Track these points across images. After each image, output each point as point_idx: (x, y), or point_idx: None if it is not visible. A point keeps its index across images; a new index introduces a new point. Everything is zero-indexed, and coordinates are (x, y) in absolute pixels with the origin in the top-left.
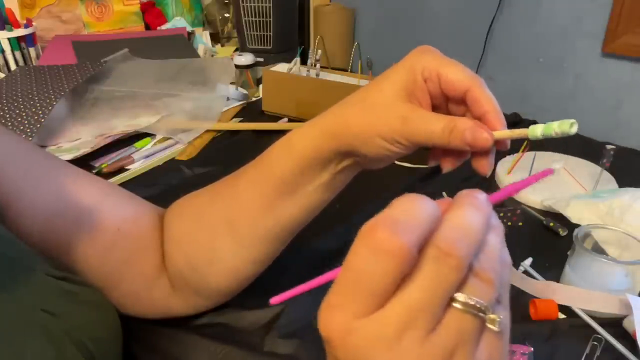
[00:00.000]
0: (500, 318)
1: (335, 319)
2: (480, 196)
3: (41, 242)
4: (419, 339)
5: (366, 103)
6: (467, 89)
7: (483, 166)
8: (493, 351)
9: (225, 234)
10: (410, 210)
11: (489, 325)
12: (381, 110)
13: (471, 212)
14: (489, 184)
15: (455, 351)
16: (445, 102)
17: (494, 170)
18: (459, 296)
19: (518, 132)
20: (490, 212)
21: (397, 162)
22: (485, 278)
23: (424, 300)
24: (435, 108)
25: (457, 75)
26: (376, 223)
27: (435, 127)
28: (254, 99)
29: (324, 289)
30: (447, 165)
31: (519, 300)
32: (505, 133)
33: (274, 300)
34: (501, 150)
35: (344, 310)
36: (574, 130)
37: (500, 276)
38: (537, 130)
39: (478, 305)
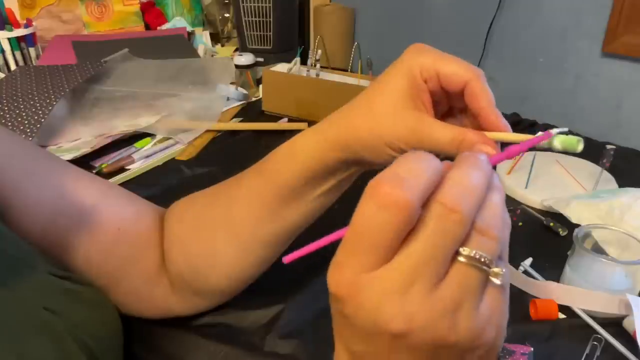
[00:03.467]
0: (503, 271)
1: (343, 275)
2: (481, 156)
3: (42, 241)
4: (425, 291)
5: (371, 112)
6: (465, 82)
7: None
8: (496, 304)
9: (226, 236)
10: (414, 167)
11: (492, 279)
12: (387, 120)
13: (473, 170)
14: None
15: (461, 303)
16: (446, 96)
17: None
18: (464, 250)
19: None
20: (492, 172)
21: None
22: (488, 233)
23: (429, 254)
24: (435, 104)
25: (454, 69)
26: (381, 179)
27: (443, 138)
28: (254, 99)
29: (322, 289)
30: None
31: (519, 300)
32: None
33: (288, 258)
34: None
35: (352, 266)
36: (579, 147)
37: (503, 233)
38: (554, 142)
39: (482, 259)
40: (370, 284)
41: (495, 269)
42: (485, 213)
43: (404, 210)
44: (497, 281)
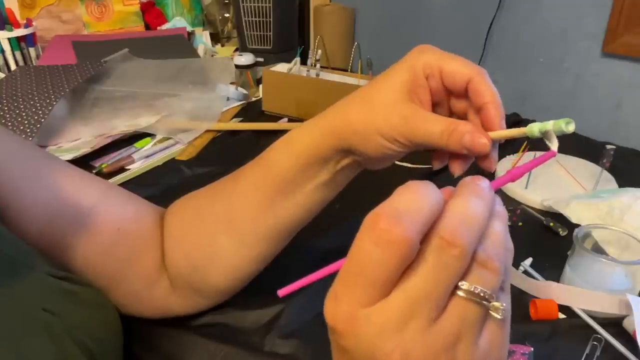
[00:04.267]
0: (503, 306)
1: (340, 308)
2: (482, 183)
3: (41, 242)
4: (422, 327)
5: (367, 101)
6: (468, 79)
7: (489, 164)
8: (495, 338)
9: (225, 232)
10: (412, 200)
11: (492, 313)
12: (382, 109)
13: (474, 200)
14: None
15: (459, 339)
16: (447, 98)
17: (494, 170)
18: (463, 284)
19: (515, 132)
20: (493, 198)
21: (397, 162)
22: (489, 266)
23: (427, 289)
24: (436, 105)
25: (458, 66)
26: (379, 213)
27: (435, 129)
28: (254, 99)
29: (323, 287)
30: (456, 169)
31: (519, 300)
32: (502, 133)
33: (282, 292)
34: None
35: (349, 300)
36: (570, 128)
37: (505, 263)
38: (534, 129)
39: (482, 294)
40: (368, 319)
41: (496, 304)
42: (486, 243)
43: (402, 247)
44: (497, 316)
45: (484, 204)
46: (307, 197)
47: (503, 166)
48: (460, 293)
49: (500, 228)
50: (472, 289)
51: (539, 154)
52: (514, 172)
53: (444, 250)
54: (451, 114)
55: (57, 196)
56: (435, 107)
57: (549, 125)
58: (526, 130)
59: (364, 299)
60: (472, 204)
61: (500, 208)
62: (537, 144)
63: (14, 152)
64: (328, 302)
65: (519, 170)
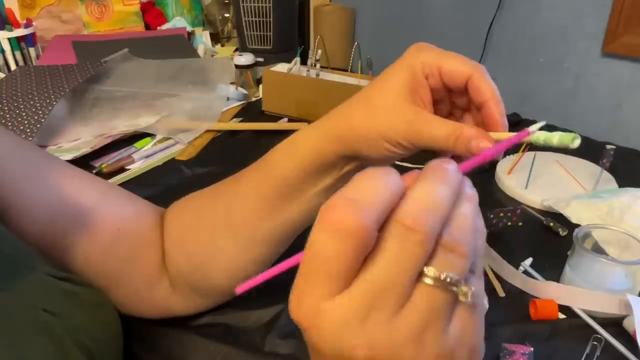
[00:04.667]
0: (472, 289)
1: (303, 303)
2: (448, 166)
3: (42, 242)
4: (386, 317)
5: (370, 105)
6: (468, 77)
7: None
8: (467, 324)
9: (226, 234)
10: (368, 186)
11: (461, 298)
12: (385, 113)
13: (437, 184)
14: (489, 184)
15: (427, 327)
16: (448, 95)
17: (494, 170)
18: (429, 271)
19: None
20: (460, 180)
21: (397, 162)
22: (456, 250)
23: (389, 278)
24: (437, 102)
25: (457, 65)
26: (332, 203)
27: (440, 132)
28: (254, 99)
29: None
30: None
31: (519, 300)
32: (504, 135)
33: (239, 289)
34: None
35: (310, 294)
36: (576, 144)
37: (474, 246)
38: (540, 139)
39: (449, 279)
40: (330, 312)
41: (464, 288)
42: (452, 227)
43: (357, 237)
44: (465, 300)
45: (449, 186)
46: (310, 201)
47: (503, 166)
48: (425, 280)
49: (468, 210)
50: (438, 275)
51: (539, 154)
52: (485, 153)
53: (404, 236)
54: (453, 108)
55: (59, 196)
56: (436, 103)
57: (554, 139)
58: (532, 138)
59: (325, 292)
60: (435, 188)
61: (470, 190)
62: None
63: (15, 152)
64: (292, 298)
65: (488, 151)
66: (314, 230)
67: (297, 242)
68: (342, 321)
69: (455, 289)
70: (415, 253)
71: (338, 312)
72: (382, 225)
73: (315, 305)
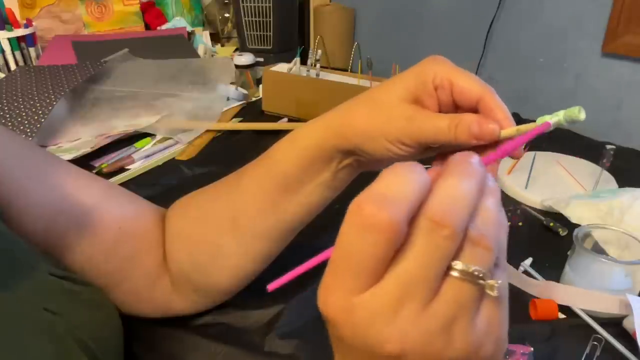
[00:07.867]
0: (498, 283)
1: (333, 298)
2: (472, 160)
3: (43, 241)
4: (417, 310)
5: (372, 102)
6: (479, 97)
7: (517, 152)
8: (493, 316)
9: (228, 231)
10: (397, 183)
11: (488, 292)
12: (386, 110)
13: (463, 178)
14: None
15: (455, 320)
16: (454, 111)
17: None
18: (457, 264)
19: (525, 127)
20: (484, 174)
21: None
22: (482, 244)
23: (419, 272)
24: None
25: (470, 84)
26: (363, 198)
27: (441, 124)
28: (254, 99)
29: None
30: None
31: (519, 300)
32: (512, 130)
33: (271, 286)
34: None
35: (341, 289)
36: (582, 116)
37: (498, 239)
38: (545, 120)
39: (476, 273)
40: (361, 307)
41: (491, 282)
42: (478, 221)
43: (388, 232)
44: (493, 294)
45: (474, 181)
46: (309, 196)
47: (503, 166)
48: (453, 273)
49: (492, 204)
50: (466, 269)
51: (539, 154)
52: (505, 146)
53: (433, 232)
54: None
55: (59, 195)
56: None
57: (560, 115)
58: (537, 123)
59: (355, 287)
60: (461, 182)
61: (492, 184)
62: (538, 143)
63: (15, 151)
64: (321, 293)
65: (510, 144)
66: (345, 226)
67: (297, 239)
68: (374, 315)
69: (482, 282)
70: (444, 247)
71: (370, 306)
72: (411, 221)
73: (345, 300)
